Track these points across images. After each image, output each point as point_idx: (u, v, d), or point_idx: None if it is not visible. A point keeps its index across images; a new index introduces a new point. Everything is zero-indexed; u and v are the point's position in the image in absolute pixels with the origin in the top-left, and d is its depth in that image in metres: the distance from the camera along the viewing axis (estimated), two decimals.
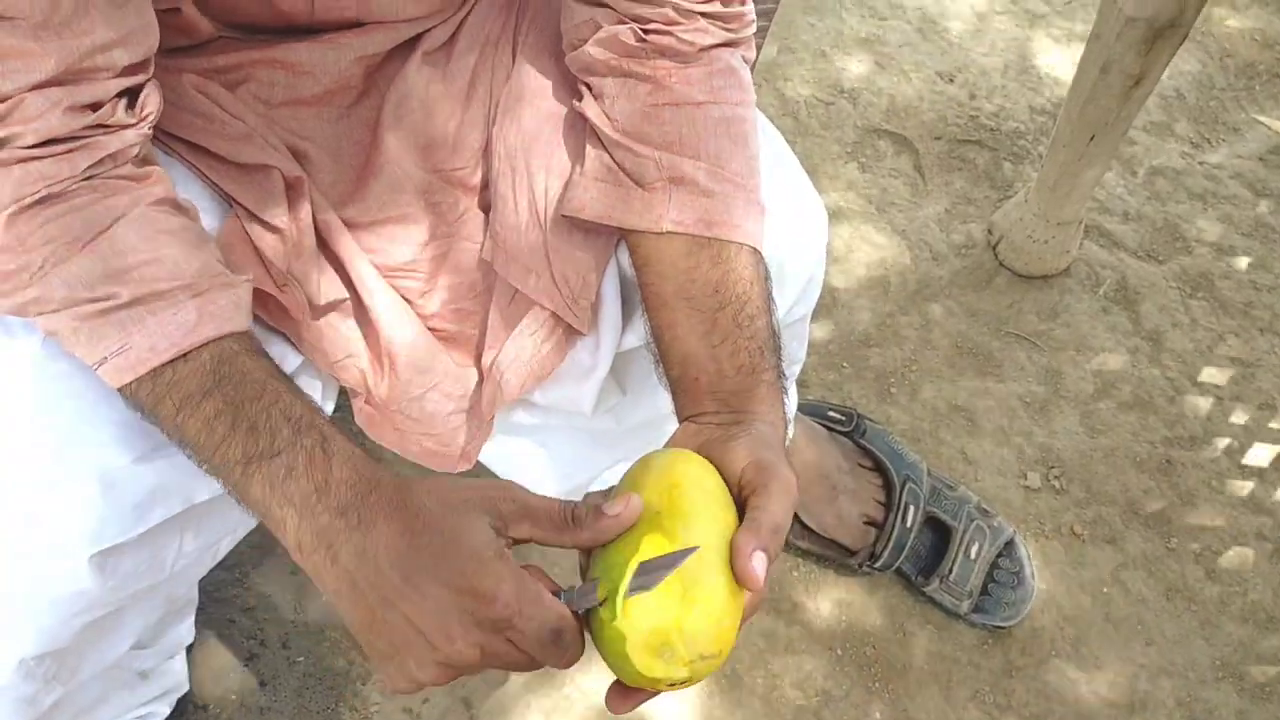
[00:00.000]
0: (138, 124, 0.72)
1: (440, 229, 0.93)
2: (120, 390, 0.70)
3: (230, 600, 1.31)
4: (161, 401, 0.69)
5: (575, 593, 0.67)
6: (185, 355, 0.69)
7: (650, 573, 0.64)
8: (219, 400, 0.68)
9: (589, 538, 0.67)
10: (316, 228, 0.88)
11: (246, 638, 1.29)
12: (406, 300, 0.92)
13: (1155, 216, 1.78)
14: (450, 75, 0.90)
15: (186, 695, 1.23)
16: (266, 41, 0.85)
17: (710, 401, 0.79)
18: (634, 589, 0.64)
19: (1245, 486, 1.52)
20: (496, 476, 1.03)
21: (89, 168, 0.70)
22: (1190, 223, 1.78)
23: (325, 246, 0.89)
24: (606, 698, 0.70)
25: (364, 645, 0.68)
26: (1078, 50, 1.49)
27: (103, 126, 0.70)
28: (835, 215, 1.71)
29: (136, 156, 0.73)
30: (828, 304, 1.62)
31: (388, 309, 0.90)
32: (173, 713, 1.20)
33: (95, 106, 0.70)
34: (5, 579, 0.75)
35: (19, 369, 0.72)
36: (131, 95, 0.73)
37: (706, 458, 0.74)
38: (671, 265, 0.81)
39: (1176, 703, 1.36)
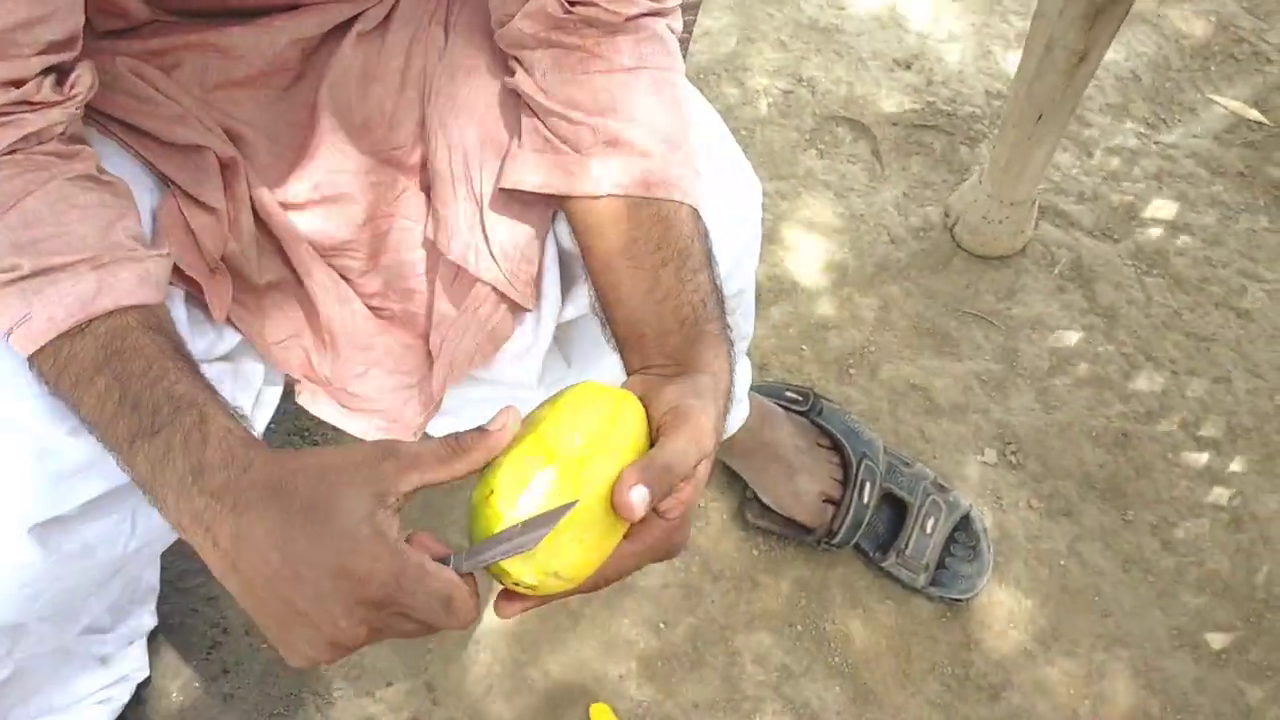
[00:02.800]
0: (64, 102, 0.74)
1: (380, 209, 0.94)
2: (30, 363, 0.71)
3: (193, 590, 1.32)
4: (61, 375, 0.70)
5: (464, 556, 0.66)
6: (82, 329, 0.70)
7: (533, 530, 0.64)
8: (108, 376, 0.69)
9: (480, 457, 0.67)
10: (254, 209, 0.89)
11: (209, 626, 1.30)
12: (346, 279, 0.94)
13: (1110, 196, 1.80)
14: (384, 55, 0.91)
15: (149, 683, 1.24)
16: (200, 25, 0.87)
17: (656, 356, 0.80)
18: (513, 549, 0.65)
19: (1200, 458, 1.54)
20: None
21: (12, 144, 0.71)
22: (1145, 201, 1.80)
23: (263, 227, 0.90)
24: (494, 603, 0.71)
25: (256, 621, 0.67)
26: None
27: (27, 104, 0.71)
28: (794, 201, 1.73)
29: (63, 135, 0.75)
30: (786, 288, 1.64)
31: (325, 288, 0.92)
32: (136, 700, 1.22)
33: (18, 83, 0.71)
34: None
35: None
36: (59, 74, 0.74)
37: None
38: (612, 227, 0.82)
39: (1134, 672, 1.37)
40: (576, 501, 0.65)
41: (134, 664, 1.17)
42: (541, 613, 1.33)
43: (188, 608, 1.31)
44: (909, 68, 1.94)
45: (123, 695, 1.17)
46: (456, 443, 0.67)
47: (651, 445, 0.72)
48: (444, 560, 0.67)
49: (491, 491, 0.67)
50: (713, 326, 0.81)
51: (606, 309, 0.85)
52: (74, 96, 0.74)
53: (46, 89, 0.72)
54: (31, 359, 0.71)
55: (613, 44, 0.84)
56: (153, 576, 1.20)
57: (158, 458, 0.67)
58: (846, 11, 2.00)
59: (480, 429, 0.67)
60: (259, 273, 0.89)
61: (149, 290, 0.73)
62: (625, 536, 0.71)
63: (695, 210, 0.84)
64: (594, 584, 0.72)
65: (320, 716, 1.25)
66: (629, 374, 0.84)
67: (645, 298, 0.81)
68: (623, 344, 0.84)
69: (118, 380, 0.68)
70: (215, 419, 0.68)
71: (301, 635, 0.65)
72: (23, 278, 0.70)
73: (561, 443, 0.68)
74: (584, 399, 0.72)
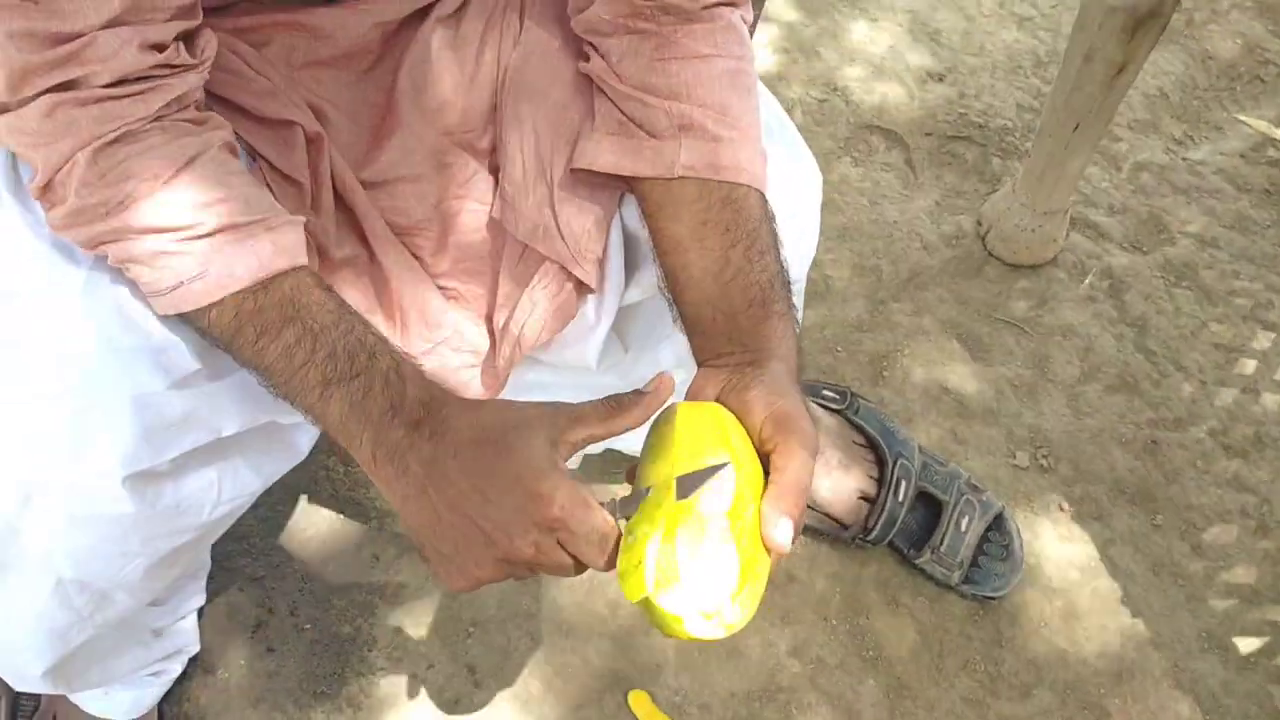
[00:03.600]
0: (199, 66, 0.77)
1: (451, 190, 0.96)
2: (193, 316, 0.75)
3: (239, 570, 1.34)
4: (242, 329, 0.75)
5: (618, 502, 0.73)
6: (265, 286, 0.75)
7: (688, 487, 0.70)
8: (298, 328, 0.75)
9: (639, 414, 0.75)
10: (333, 185, 0.91)
11: (255, 605, 1.32)
12: (418, 258, 0.96)
13: (1140, 209, 1.83)
14: (460, 40, 0.94)
15: (196, 660, 1.26)
16: (289, 5, 0.89)
17: (726, 341, 0.82)
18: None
19: (1229, 467, 1.56)
20: None
21: (160, 109, 0.74)
22: (1174, 215, 1.83)
23: (341, 204, 0.92)
24: None
25: (426, 548, 0.74)
26: (1064, 52, 1.54)
27: (169, 67, 0.75)
28: (829, 207, 1.75)
29: (199, 100, 0.78)
30: (821, 291, 1.66)
31: (399, 265, 0.94)
32: (183, 676, 1.23)
33: (159, 48, 0.74)
34: (43, 497, 0.78)
35: (70, 288, 0.76)
36: (188, 39, 0.77)
37: (725, 407, 0.78)
38: (684, 209, 0.85)
39: (1163, 673, 1.39)
40: (728, 463, 0.71)
41: (186, 638, 1.19)
42: (581, 601, 1.35)
43: (234, 587, 1.33)
44: (941, 80, 1.97)
45: (175, 668, 1.19)
46: (616, 402, 0.75)
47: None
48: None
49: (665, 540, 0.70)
50: (780, 307, 0.83)
51: (676, 291, 0.87)
52: (205, 61, 0.78)
53: (183, 53, 0.76)
54: (198, 311, 0.75)
55: (689, 31, 0.86)
56: (205, 553, 1.22)
57: (358, 398, 0.73)
58: (879, 24, 2.03)
59: (638, 391, 0.75)
60: (336, 247, 0.91)
61: (305, 253, 0.78)
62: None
63: (762, 195, 0.87)
64: None
65: (364, 696, 1.27)
66: (699, 361, 0.86)
67: (715, 278, 0.84)
68: (691, 326, 0.86)
69: (309, 332, 0.75)
70: (406, 362, 0.76)
71: (472, 555, 0.71)
72: (202, 235, 0.74)
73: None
74: (697, 426, 0.75)
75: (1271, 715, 1.36)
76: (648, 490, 0.73)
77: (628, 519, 0.72)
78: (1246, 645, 1.42)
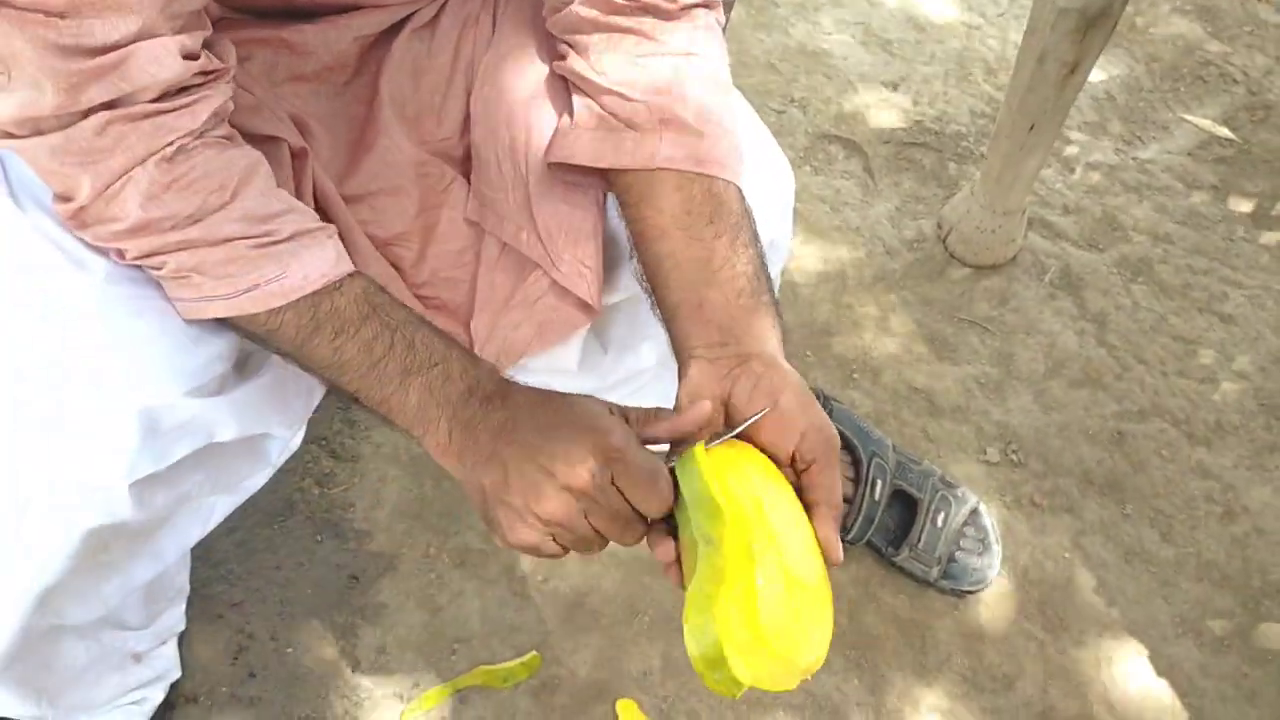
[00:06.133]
0: (229, 71, 0.78)
1: (430, 200, 0.97)
2: (260, 319, 0.77)
3: (218, 596, 1.32)
4: (320, 328, 0.78)
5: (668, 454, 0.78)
6: (338, 287, 0.79)
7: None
8: (376, 324, 0.79)
9: (667, 429, 0.79)
10: (316, 199, 0.92)
11: (235, 631, 1.30)
12: (398, 269, 0.96)
13: (1094, 209, 1.87)
14: (435, 48, 0.95)
15: (178, 687, 1.24)
16: (270, 22, 0.90)
17: (714, 330, 0.82)
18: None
19: (1194, 455, 1.59)
20: None
21: (205, 120, 0.75)
22: (1127, 213, 1.87)
23: (324, 217, 0.93)
24: None
25: (493, 509, 0.76)
26: (1013, 58, 1.57)
27: (206, 74, 0.75)
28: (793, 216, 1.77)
29: (230, 111, 0.79)
30: (789, 297, 1.68)
31: (380, 279, 0.94)
32: (164, 705, 1.22)
33: (193, 56, 0.74)
34: (48, 503, 0.78)
35: (86, 300, 0.76)
36: (211, 46, 0.78)
37: (740, 417, 0.79)
38: (666, 199, 0.85)
39: (1142, 659, 1.41)
40: (766, 409, 0.76)
41: (167, 664, 1.18)
42: (566, 611, 1.35)
43: (213, 614, 1.31)
44: (895, 89, 2.00)
45: (156, 695, 1.17)
46: (656, 412, 0.79)
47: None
48: None
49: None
50: (766, 298, 0.84)
51: (659, 279, 0.87)
52: (232, 66, 0.79)
53: (214, 59, 0.76)
54: (270, 314, 0.77)
55: (667, 30, 0.87)
56: (183, 578, 1.21)
57: (438, 385, 0.79)
58: (833, 36, 2.06)
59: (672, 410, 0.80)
60: None
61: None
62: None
63: (741, 191, 0.88)
64: None
65: (349, 719, 1.26)
66: (682, 354, 0.85)
67: (703, 267, 0.84)
68: (675, 314, 0.85)
69: (387, 327, 0.79)
70: (471, 352, 0.82)
71: (536, 493, 0.74)
72: (278, 241, 0.77)
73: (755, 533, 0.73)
74: (737, 471, 0.76)
75: (1248, 695, 1.39)
76: (709, 544, 0.73)
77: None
78: (1220, 628, 1.44)
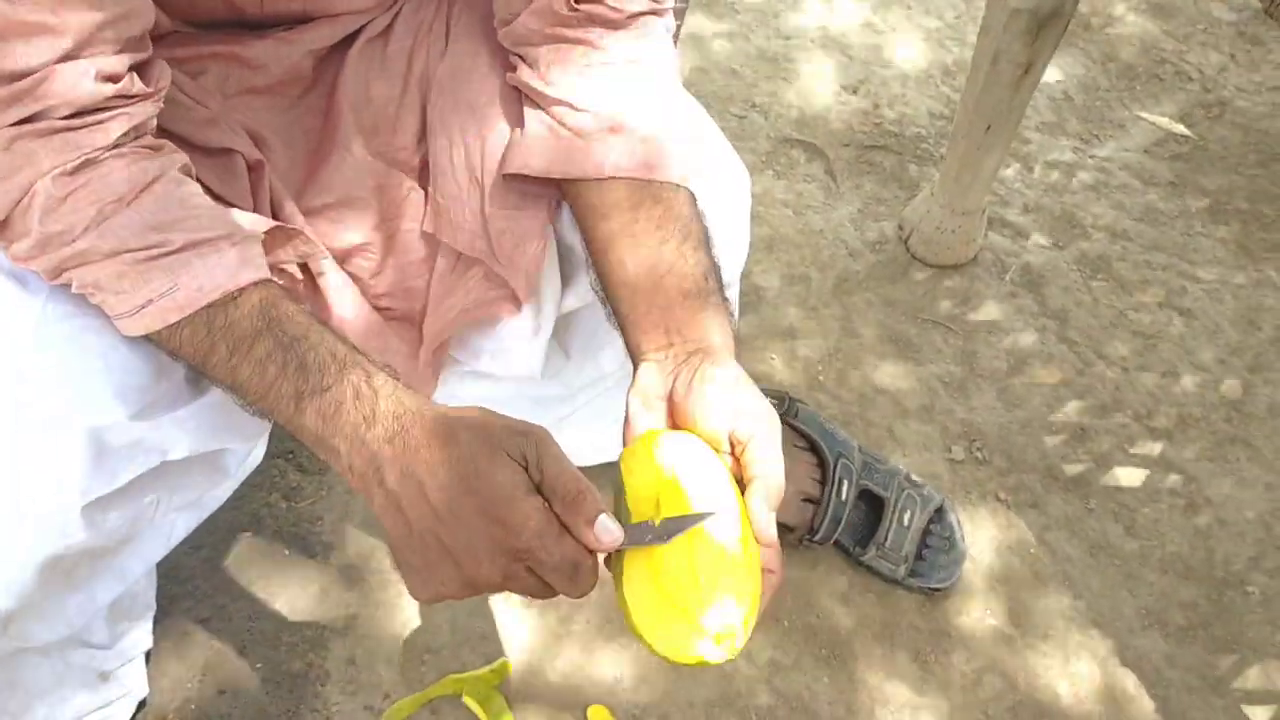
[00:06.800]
0: (155, 95, 0.77)
1: (388, 210, 0.97)
2: (164, 337, 0.74)
3: (185, 612, 1.32)
4: (215, 347, 0.74)
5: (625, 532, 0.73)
6: (235, 299, 0.74)
7: (670, 532, 0.72)
8: (270, 341, 0.74)
9: (582, 513, 0.72)
10: (274, 211, 0.92)
11: (202, 648, 1.30)
12: (358, 280, 0.97)
13: (1053, 207, 1.89)
14: (388, 60, 0.95)
15: (146, 705, 1.23)
16: (222, 36, 0.90)
17: (663, 334, 0.84)
18: (645, 542, 0.72)
19: (1155, 448, 1.61)
20: None
21: (119, 137, 0.74)
22: (1086, 211, 1.89)
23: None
24: None
25: (398, 556, 0.73)
26: (969, 59, 1.59)
27: (125, 97, 0.75)
28: (755, 220, 1.78)
29: (155, 128, 0.78)
30: (754, 301, 1.69)
31: (338, 290, 0.94)
32: None
33: (115, 78, 0.74)
34: (1, 531, 0.77)
35: (25, 321, 0.75)
36: (141, 70, 0.77)
37: (680, 409, 0.80)
38: (615, 207, 0.86)
39: (1108, 651, 1.42)
40: (713, 512, 0.72)
41: (134, 682, 1.17)
42: (536, 620, 1.35)
43: (180, 631, 1.30)
44: (855, 92, 2.02)
45: (124, 714, 1.17)
46: (578, 495, 0.71)
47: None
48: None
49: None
50: (715, 299, 0.85)
51: (610, 289, 0.89)
52: (160, 90, 0.78)
53: (138, 83, 0.76)
54: (169, 331, 0.74)
55: (614, 39, 0.88)
56: (149, 595, 1.20)
57: (330, 412, 0.72)
58: (792, 41, 2.08)
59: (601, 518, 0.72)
60: (276, 275, 0.91)
61: (267, 267, 0.78)
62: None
63: (692, 194, 0.89)
64: None
65: None
66: (635, 357, 0.87)
67: (649, 273, 0.85)
68: (626, 320, 0.87)
69: (280, 345, 0.74)
70: (377, 375, 0.74)
71: (442, 572, 0.70)
72: (169, 252, 0.73)
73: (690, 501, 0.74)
74: (665, 451, 0.77)
75: (1213, 685, 1.41)
76: (647, 524, 0.74)
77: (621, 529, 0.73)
78: (1184, 618, 1.46)
